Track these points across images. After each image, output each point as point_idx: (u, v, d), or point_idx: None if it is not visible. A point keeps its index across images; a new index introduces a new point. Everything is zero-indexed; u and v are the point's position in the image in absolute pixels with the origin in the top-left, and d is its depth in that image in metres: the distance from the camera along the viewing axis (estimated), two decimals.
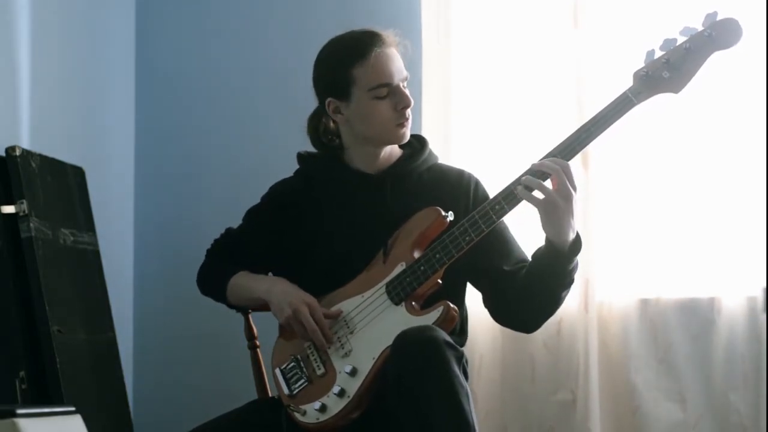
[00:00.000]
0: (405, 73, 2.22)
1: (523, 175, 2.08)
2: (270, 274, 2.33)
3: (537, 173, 2.06)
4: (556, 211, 2.04)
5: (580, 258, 3.00)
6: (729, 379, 2.84)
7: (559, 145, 2.10)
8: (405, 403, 1.94)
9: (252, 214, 2.39)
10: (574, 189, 2.04)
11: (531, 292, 2.15)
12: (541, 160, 2.08)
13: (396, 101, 2.19)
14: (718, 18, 2.05)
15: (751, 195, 2.86)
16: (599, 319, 2.97)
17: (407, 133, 2.24)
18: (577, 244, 2.10)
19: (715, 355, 2.85)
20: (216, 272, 2.36)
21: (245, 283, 2.29)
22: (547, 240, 2.09)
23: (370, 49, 2.18)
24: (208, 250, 2.42)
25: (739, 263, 2.86)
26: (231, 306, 2.37)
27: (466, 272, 2.22)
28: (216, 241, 2.42)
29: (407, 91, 2.22)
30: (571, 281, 2.16)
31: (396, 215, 2.19)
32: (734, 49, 2.06)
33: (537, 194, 2.05)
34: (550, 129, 3.06)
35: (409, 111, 2.21)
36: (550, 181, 2.06)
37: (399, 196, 2.24)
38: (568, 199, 2.03)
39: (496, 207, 2.09)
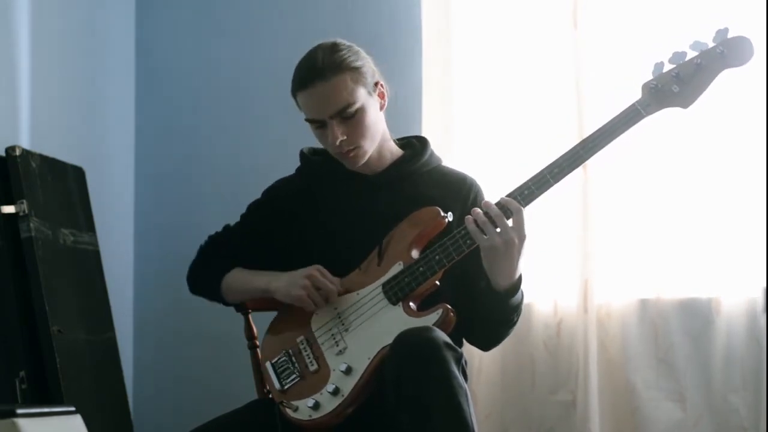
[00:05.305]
0: (342, 104, 2.14)
1: (509, 194, 2.08)
2: None
3: (501, 206, 2.06)
4: (495, 254, 2.06)
5: (579, 259, 3.01)
6: (728, 380, 2.83)
7: (565, 154, 2.09)
8: (404, 403, 1.93)
9: (251, 210, 2.39)
10: (521, 236, 2.05)
11: (477, 318, 2.18)
12: (509, 194, 2.08)
13: (327, 135, 2.18)
14: (730, 35, 2.05)
15: (751, 195, 2.85)
16: (599, 320, 2.97)
17: (358, 160, 2.21)
18: (514, 288, 2.11)
19: (715, 355, 2.85)
20: (211, 268, 2.35)
21: (244, 276, 2.29)
22: (487, 277, 2.11)
23: (302, 85, 2.16)
24: (201, 247, 2.41)
25: (739, 263, 2.85)
26: (225, 303, 2.37)
27: (461, 276, 2.21)
28: (211, 237, 2.41)
29: (352, 121, 2.15)
30: (510, 321, 2.17)
31: (389, 217, 2.18)
32: (745, 67, 2.07)
33: (481, 233, 2.05)
34: (550, 129, 3.07)
35: (347, 144, 2.17)
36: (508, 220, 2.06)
37: (394, 197, 2.23)
38: (509, 244, 2.04)
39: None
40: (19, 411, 2.49)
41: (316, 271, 2.16)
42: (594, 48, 3.02)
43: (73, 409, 2.69)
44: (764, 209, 2.81)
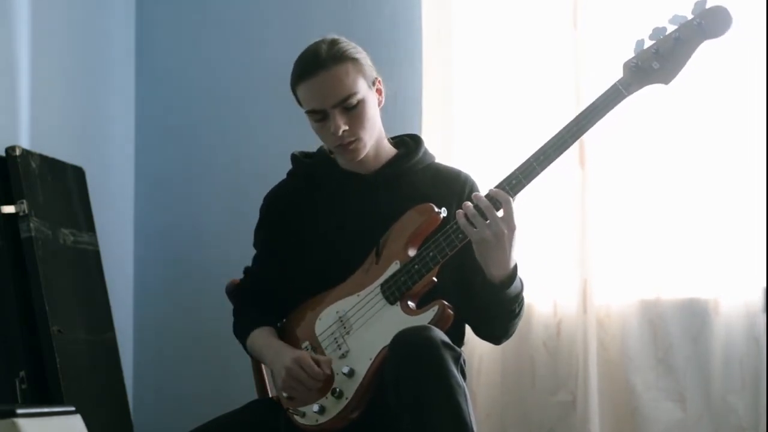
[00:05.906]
0: (345, 93, 2.14)
1: (494, 187, 2.08)
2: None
3: (490, 198, 2.06)
4: (486, 246, 2.05)
5: (578, 259, 3.01)
6: (728, 380, 2.84)
7: (551, 139, 2.11)
8: (403, 403, 1.93)
9: (256, 234, 2.38)
10: (510, 227, 2.04)
11: (480, 313, 2.17)
12: (498, 185, 2.08)
13: (329, 125, 2.17)
14: (707, 6, 2.03)
15: (750, 195, 2.85)
16: (598, 320, 2.97)
17: (357, 154, 2.20)
18: (510, 278, 2.10)
19: (714, 355, 2.85)
20: (238, 325, 2.35)
21: (261, 346, 2.25)
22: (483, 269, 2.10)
23: (303, 76, 2.16)
24: (234, 300, 2.40)
25: (738, 264, 2.85)
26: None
27: (459, 271, 2.21)
28: (238, 287, 2.40)
29: (354, 112, 2.15)
30: (512, 312, 2.16)
31: (387, 215, 2.18)
32: (724, 38, 2.04)
33: (471, 225, 2.05)
34: (550, 128, 3.05)
35: (348, 135, 2.16)
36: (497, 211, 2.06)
37: (391, 195, 2.23)
38: (499, 236, 2.03)
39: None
40: (19, 411, 2.49)
41: (294, 363, 2.09)
42: (594, 48, 3.03)
43: (73, 409, 2.69)
44: (764, 209, 2.81)
